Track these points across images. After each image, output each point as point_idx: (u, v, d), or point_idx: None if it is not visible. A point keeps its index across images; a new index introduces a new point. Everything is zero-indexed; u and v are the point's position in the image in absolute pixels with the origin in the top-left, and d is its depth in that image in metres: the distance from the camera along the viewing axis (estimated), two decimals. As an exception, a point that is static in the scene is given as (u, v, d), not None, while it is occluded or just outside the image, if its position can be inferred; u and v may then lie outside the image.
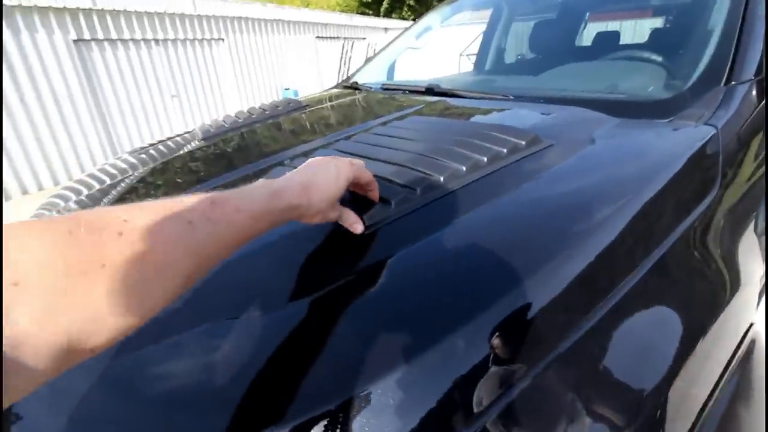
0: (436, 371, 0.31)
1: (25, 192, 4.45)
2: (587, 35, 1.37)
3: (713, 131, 0.63)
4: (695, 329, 0.46)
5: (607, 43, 1.35)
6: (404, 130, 0.72)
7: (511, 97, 0.95)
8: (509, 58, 1.70)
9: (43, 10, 4.36)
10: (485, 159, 0.57)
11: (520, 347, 0.35)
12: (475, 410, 0.31)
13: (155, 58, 5.65)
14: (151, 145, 1.13)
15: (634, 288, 0.43)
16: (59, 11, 4.49)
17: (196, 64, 6.25)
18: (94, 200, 0.76)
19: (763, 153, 0.75)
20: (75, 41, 4.70)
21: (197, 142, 1.03)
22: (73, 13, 4.63)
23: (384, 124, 0.82)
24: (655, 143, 0.62)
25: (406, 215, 0.48)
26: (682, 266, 0.50)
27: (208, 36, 6.28)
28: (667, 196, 0.52)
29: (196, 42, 6.18)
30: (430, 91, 1.12)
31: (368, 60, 1.73)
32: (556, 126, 0.71)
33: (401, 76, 1.57)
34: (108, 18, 4.98)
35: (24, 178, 4.44)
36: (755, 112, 0.74)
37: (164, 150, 1.03)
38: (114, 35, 5.08)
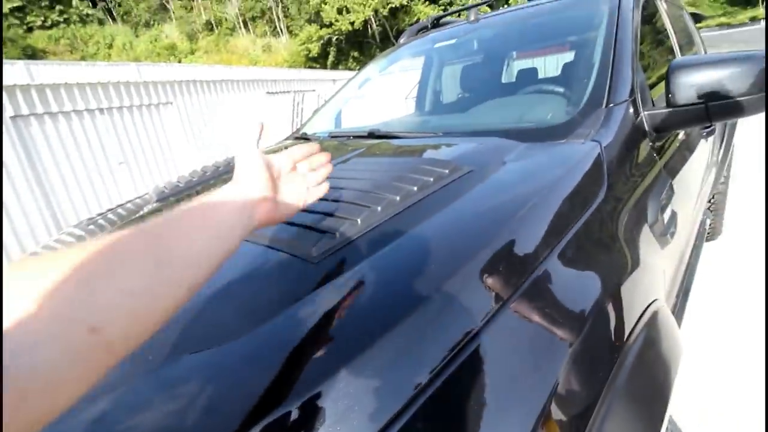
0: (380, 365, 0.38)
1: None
2: (503, 75, 1.58)
3: (597, 146, 0.78)
4: (599, 303, 0.56)
5: (520, 80, 1.56)
6: (347, 171, 0.82)
7: (441, 134, 1.08)
8: (440, 99, 1.90)
9: (-24, 90, 4.25)
10: (415, 188, 0.67)
11: (452, 330, 0.42)
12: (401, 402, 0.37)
13: (100, 127, 5.57)
14: (100, 214, 1.15)
15: (543, 273, 0.53)
16: (-6, 89, 4.39)
17: (144, 129, 6.22)
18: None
19: (644, 157, 0.91)
20: (12, 117, 4.58)
21: (152, 205, 1.07)
22: (10, 90, 4.54)
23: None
24: (552, 160, 0.75)
25: (349, 243, 0.56)
26: (582, 253, 0.61)
27: (155, 101, 6.32)
28: (564, 200, 0.64)
29: (143, 107, 6.19)
30: (372, 135, 1.24)
31: (315, 112, 1.86)
32: (475, 154, 0.84)
33: (348, 124, 1.70)
34: (48, 91, 4.92)
35: (-45, 266, 4.07)
36: (631, 126, 0.91)
37: (114, 218, 1.05)
38: (54, 108, 5.00)
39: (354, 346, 0.40)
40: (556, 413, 0.42)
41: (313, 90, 10.14)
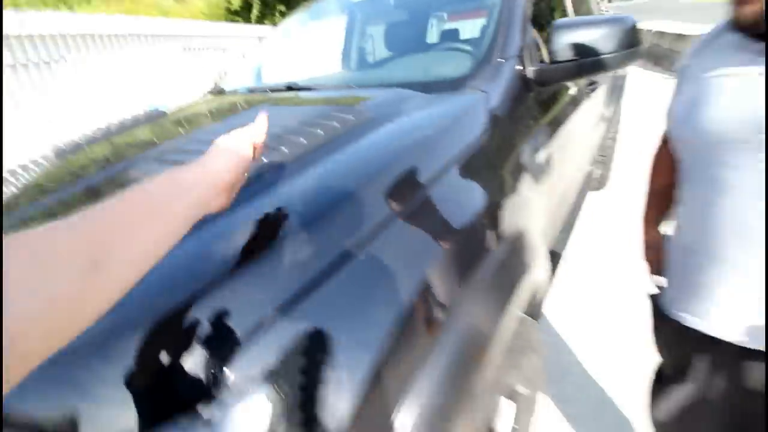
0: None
1: None
2: (413, 33, 1.65)
3: (485, 95, 0.90)
4: (466, 229, 0.68)
5: (428, 38, 1.65)
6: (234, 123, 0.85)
7: (355, 87, 1.14)
8: (356, 54, 1.92)
9: None
10: (323, 132, 0.73)
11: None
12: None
13: (-25, 88, 4.70)
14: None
15: (426, 199, 0.63)
16: None
17: (33, 91, 5.36)
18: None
19: (529, 106, 1.05)
20: None
21: (50, 164, 1.01)
22: None
23: (241, 117, 0.93)
24: (446, 107, 0.86)
25: (258, 176, 0.61)
26: (462, 184, 0.73)
27: (46, 58, 5.44)
28: (448, 140, 0.74)
29: (30, 65, 5.30)
30: (290, 88, 1.26)
31: (233, 67, 1.79)
32: (379, 104, 0.91)
33: (268, 80, 1.67)
34: None
35: None
36: (518, 79, 1.04)
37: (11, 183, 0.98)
38: None
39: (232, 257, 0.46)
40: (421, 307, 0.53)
41: (237, 47, 9.37)
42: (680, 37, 7.24)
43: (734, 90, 0.62)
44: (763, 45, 0.58)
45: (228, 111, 1.15)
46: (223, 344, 0.40)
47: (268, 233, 0.50)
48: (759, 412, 0.67)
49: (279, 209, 0.54)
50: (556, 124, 1.24)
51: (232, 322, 0.41)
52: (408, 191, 0.62)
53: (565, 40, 1.04)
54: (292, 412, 0.39)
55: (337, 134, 0.75)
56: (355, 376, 0.43)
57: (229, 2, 13.32)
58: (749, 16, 0.58)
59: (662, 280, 0.82)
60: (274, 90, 1.29)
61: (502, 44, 1.08)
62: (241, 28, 9.89)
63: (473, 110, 0.84)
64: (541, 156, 1.07)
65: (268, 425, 0.38)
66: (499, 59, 1.04)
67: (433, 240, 0.61)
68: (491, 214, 0.74)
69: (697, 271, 0.70)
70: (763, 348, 0.63)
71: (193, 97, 1.68)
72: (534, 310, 1.05)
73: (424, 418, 0.49)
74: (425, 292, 0.55)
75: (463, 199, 0.71)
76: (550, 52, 1.06)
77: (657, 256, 0.89)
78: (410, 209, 0.60)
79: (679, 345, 0.78)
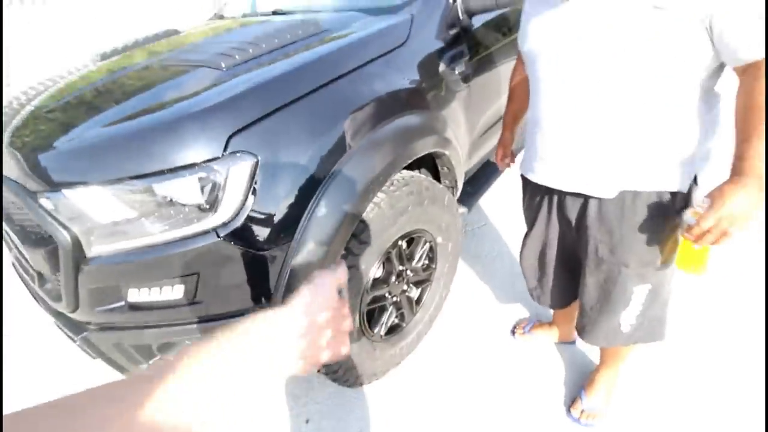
0: None
1: None
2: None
3: (409, 15, 1.25)
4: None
5: None
6: (243, 34, 1.22)
7: (324, 12, 1.48)
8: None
9: None
10: (290, 36, 1.10)
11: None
12: None
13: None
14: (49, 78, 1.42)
15: (355, 78, 1.02)
16: None
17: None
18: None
19: (453, 32, 1.39)
20: None
21: (94, 65, 1.39)
22: None
23: (227, 32, 1.32)
24: (379, 24, 1.22)
25: (239, 64, 1.00)
26: (381, 80, 1.10)
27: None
28: (374, 45, 1.12)
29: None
30: (275, 12, 1.60)
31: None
32: (336, 22, 1.29)
33: (260, 8, 1.98)
34: None
35: None
36: (445, 6, 1.35)
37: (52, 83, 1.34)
38: None
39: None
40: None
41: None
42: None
43: (542, 14, 0.89)
44: None
45: (228, 29, 1.51)
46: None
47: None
48: (575, 238, 1.01)
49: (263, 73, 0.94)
50: (477, 52, 1.54)
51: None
52: (341, 72, 1.02)
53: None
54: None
55: (302, 37, 1.13)
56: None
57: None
58: None
59: (506, 162, 1.24)
60: (263, 15, 1.63)
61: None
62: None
63: (397, 26, 1.21)
64: (459, 71, 1.41)
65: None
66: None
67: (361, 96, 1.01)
68: (409, 95, 1.14)
69: (532, 139, 1.00)
70: (567, 189, 0.93)
71: (197, 21, 2.01)
72: (451, 181, 1.46)
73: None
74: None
75: (384, 82, 1.10)
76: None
77: (505, 150, 1.26)
78: (343, 82, 1.00)
79: (530, 199, 1.12)
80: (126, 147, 0.82)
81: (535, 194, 1.09)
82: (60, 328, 1.00)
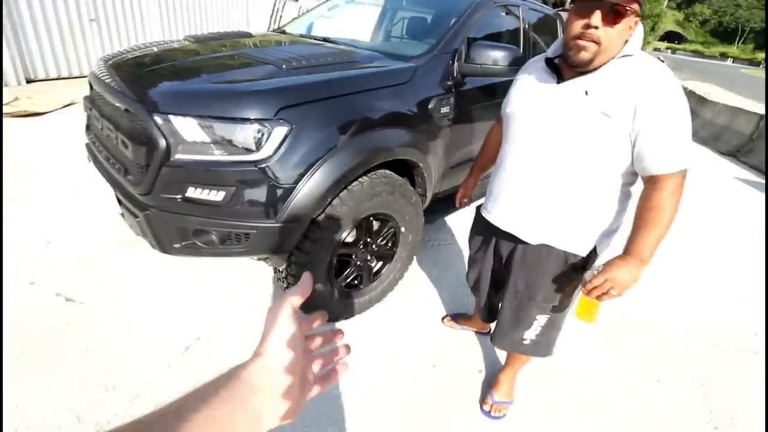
0: None
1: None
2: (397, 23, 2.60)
3: (414, 64, 1.79)
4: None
5: (406, 27, 2.58)
6: (297, 49, 1.77)
7: (357, 48, 2.04)
8: (378, 31, 2.79)
9: None
10: (325, 61, 1.64)
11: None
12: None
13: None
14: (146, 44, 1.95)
15: (364, 95, 1.54)
16: None
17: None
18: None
19: (447, 84, 1.92)
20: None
21: (187, 41, 1.92)
22: None
23: (289, 44, 1.89)
24: (392, 66, 1.76)
25: (281, 69, 1.52)
26: (386, 94, 1.62)
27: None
28: (383, 78, 1.66)
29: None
30: (325, 40, 2.16)
31: (295, 18, 2.70)
32: (362, 56, 1.85)
33: (315, 33, 2.56)
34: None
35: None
36: (445, 66, 1.90)
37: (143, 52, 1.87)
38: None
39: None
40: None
41: (296, 0, 10.10)
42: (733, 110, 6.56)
43: (526, 89, 1.12)
44: (552, 70, 1.04)
45: (291, 42, 2.08)
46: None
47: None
48: (503, 272, 1.27)
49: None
50: (463, 101, 2.06)
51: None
52: (358, 90, 1.54)
53: (481, 51, 1.89)
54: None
55: (339, 62, 1.67)
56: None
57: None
58: (583, 59, 0.95)
59: (465, 202, 1.60)
60: (315, 38, 2.21)
61: (444, 42, 1.95)
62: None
63: (404, 69, 1.75)
64: (442, 107, 1.92)
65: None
66: (437, 52, 1.91)
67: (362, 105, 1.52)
68: (403, 116, 1.66)
69: (493, 183, 1.23)
70: (505, 228, 1.16)
71: (263, 29, 2.60)
72: (422, 189, 1.96)
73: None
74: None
75: (387, 103, 1.62)
76: (468, 57, 1.92)
77: (465, 192, 1.58)
78: (358, 97, 1.52)
79: (479, 233, 1.38)
80: (218, 99, 1.32)
81: (481, 231, 1.36)
82: (126, 207, 1.45)
